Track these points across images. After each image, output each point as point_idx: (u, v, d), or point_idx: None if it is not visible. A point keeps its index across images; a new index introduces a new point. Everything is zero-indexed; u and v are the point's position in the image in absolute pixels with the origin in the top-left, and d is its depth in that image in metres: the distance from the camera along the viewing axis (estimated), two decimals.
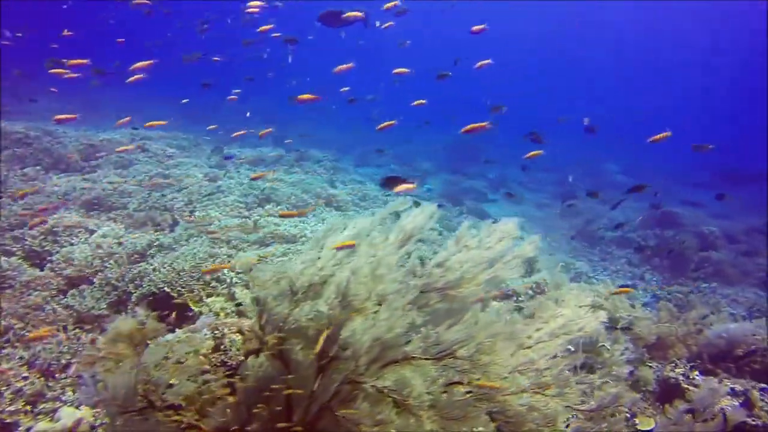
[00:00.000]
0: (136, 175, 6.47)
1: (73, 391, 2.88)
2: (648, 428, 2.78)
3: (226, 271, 3.77)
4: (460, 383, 1.43)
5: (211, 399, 2.26)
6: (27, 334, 3.20)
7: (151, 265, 4.09)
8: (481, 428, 1.40)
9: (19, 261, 4.03)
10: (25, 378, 2.82)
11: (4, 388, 2.70)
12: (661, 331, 4.10)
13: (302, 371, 1.72)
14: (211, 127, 6.39)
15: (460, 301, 1.56)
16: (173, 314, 3.29)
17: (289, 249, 4.22)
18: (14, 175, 5.77)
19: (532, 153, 3.91)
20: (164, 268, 3.86)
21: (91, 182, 5.91)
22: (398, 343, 1.48)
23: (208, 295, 3.66)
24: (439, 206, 1.82)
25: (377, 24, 5.83)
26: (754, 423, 3.02)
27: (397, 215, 2.11)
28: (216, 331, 2.88)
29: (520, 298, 3.99)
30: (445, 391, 1.45)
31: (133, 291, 3.91)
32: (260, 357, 2.05)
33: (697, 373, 3.55)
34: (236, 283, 3.66)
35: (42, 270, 4.06)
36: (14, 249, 4.25)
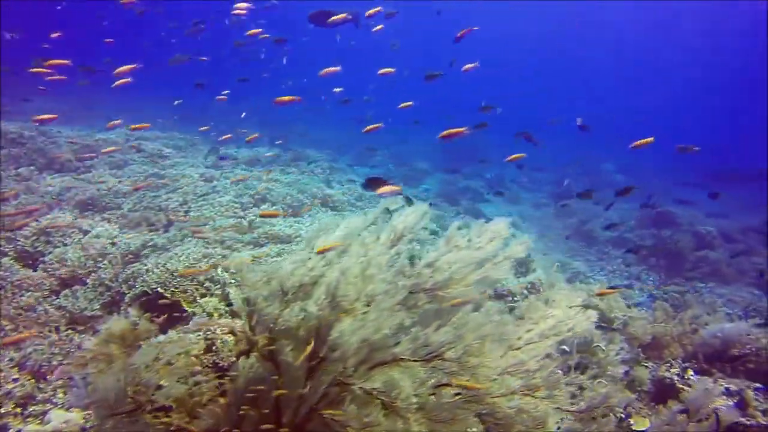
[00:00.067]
0: (131, 175, 6.44)
1: (64, 393, 2.86)
2: (643, 428, 2.77)
3: (219, 271, 3.75)
4: (448, 385, 1.42)
5: (201, 400, 2.24)
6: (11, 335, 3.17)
7: (145, 265, 4.07)
8: (469, 430, 1.38)
9: (11, 262, 4.00)
10: (15, 380, 2.80)
11: None
12: (656, 331, 4.10)
13: (292, 372, 1.70)
14: (203, 128, 6.36)
15: (450, 302, 1.55)
16: (164, 315, 3.26)
17: (283, 249, 4.20)
18: (8, 176, 5.74)
19: (513, 156, 3.90)
20: (158, 268, 3.84)
21: (85, 182, 5.88)
22: (386, 344, 1.47)
23: (202, 296, 3.63)
24: (431, 205, 1.81)
25: (375, 25, 5.83)
26: (748, 423, 3.02)
27: (390, 215, 2.10)
28: (208, 332, 2.87)
29: (515, 298, 3.98)
30: (433, 393, 1.43)
31: (126, 292, 3.89)
32: (250, 358, 2.04)
33: (691, 372, 3.55)
34: (230, 283, 3.64)
35: (35, 271, 4.03)
36: (6, 249, 4.22)
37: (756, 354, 3.73)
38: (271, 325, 1.76)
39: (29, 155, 6.45)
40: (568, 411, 1.50)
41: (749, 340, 3.86)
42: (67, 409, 2.69)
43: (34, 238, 4.36)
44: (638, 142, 4.07)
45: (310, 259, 1.77)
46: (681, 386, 3.39)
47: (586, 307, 3.90)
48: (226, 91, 6.07)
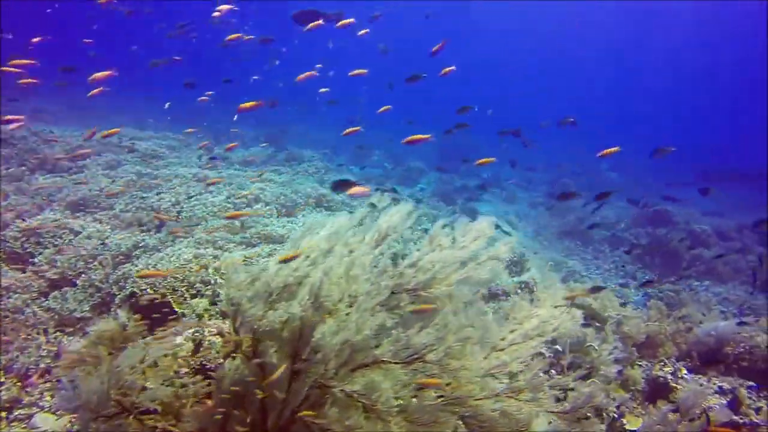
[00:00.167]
0: (124, 176, 6.39)
1: (51, 396, 2.82)
2: (635, 428, 2.76)
3: (211, 271, 3.71)
4: (427, 387, 1.39)
5: (188, 403, 2.21)
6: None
7: (136, 266, 4.03)
8: None
9: None
10: (1, 383, 2.76)
11: None
12: (650, 330, 4.08)
13: (276, 374, 1.67)
14: (189, 130, 6.32)
15: (432, 303, 1.52)
16: (154, 316, 3.23)
17: (275, 249, 4.17)
18: None
19: (484, 159, 3.92)
20: (148, 269, 3.80)
21: (77, 182, 5.83)
22: (368, 345, 1.44)
23: (192, 297, 3.60)
24: (419, 203, 1.78)
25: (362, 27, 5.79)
26: (741, 421, 3.01)
27: (378, 213, 2.07)
28: (197, 334, 2.84)
29: (509, 297, 3.97)
30: (415, 396, 1.41)
31: (117, 293, 3.86)
32: (236, 360, 2.01)
33: (685, 371, 3.54)
34: (220, 284, 3.61)
35: (24, 272, 3.99)
36: None
37: (749, 352, 3.72)
38: (255, 327, 1.74)
39: (21, 155, 6.39)
40: (552, 412, 1.48)
41: (743, 338, 3.85)
42: (54, 413, 2.65)
43: (24, 239, 4.32)
44: (605, 151, 4.17)
45: (294, 258, 1.75)
46: (674, 385, 3.37)
47: (580, 306, 3.89)
48: (210, 92, 6.03)
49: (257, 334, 1.75)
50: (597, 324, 3.76)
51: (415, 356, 1.42)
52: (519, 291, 4.16)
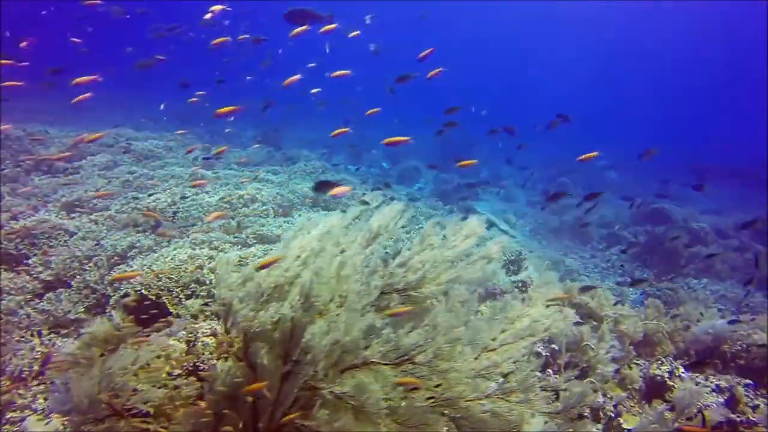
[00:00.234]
0: (120, 176, 6.36)
1: (45, 399, 2.80)
2: (631, 427, 2.74)
3: (205, 271, 3.69)
4: (418, 389, 1.38)
5: (180, 405, 2.19)
6: None
7: (131, 267, 4.01)
8: None
9: None
10: None
11: None
12: (648, 328, 4.07)
13: (268, 376, 1.66)
14: (180, 132, 6.30)
15: (422, 303, 1.50)
16: (148, 317, 3.21)
17: (270, 249, 4.15)
18: None
19: (464, 162, 3.96)
20: (143, 270, 3.78)
21: (72, 183, 5.81)
22: (357, 346, 1.42)
23: (187, 297, 3.58)
24: (415, 201, 1.75)
25: (370, 23, 5.78)
26: (738, 419, 3.00)
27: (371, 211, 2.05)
28: (190, 335, 2.82)
29: (504, 297, 3.95)
30: (405, 397, 1.39)
31: (112, 294, 3.84)
32: (228, 361, 1.99)
33: (682, 370, 3.53)
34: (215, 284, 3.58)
35: (18, 274, 3.97)
36: None
37: (747, 350, 3.71)
38: (247, 327, 1.72)
39: (16, 157, 6.37)
40: (544, 413, 1.47)
41: (740, 336, 3.84)
42: (46, 416, 2.63)
43: (18, 240, 4.30)
44: (584, 156, 4.49)
45: (285, 258, 1.73)
46: (671, 384, 3.36)
47: (577, 305, 3.87)
48: (201, 92, 6.01)
49: (248, 335, 1.73)
50: (594, 323, 3.74)
51: (405, 357, 1.41)
52: (516, 290, 4.14)
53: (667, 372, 3.46)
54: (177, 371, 2.45)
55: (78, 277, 4.02)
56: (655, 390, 3.44)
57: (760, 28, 30.53)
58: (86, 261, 4.23)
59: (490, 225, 8.12)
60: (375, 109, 4.66)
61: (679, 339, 4.11)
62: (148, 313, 3.39)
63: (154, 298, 3.57)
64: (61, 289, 3.86)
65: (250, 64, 7.91)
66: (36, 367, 3.06)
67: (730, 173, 15.03)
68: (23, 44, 4.89)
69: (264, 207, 5.67)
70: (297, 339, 1.52)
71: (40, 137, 6.67)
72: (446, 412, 1.36)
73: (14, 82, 4.22)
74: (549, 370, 3.11)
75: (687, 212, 9.93)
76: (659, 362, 3.65)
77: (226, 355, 2.07)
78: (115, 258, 4.37)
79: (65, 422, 2.55)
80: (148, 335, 2.94)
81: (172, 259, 3.91)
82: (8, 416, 2.59)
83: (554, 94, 35.02)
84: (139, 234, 4.84)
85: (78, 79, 4.06)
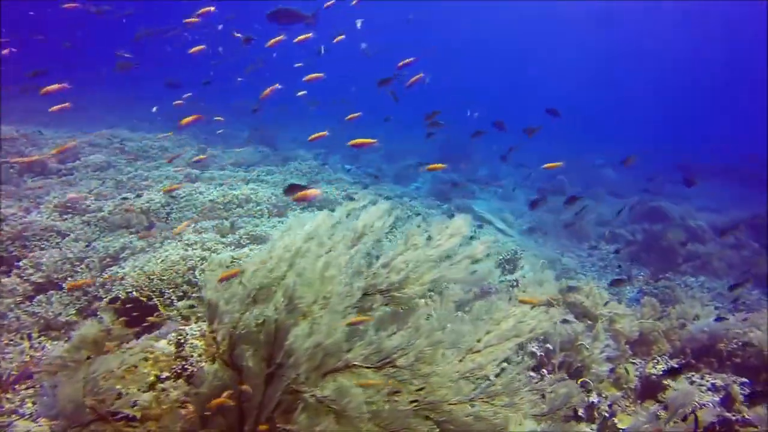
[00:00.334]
0: (115, 177, 6.33)
1: (33, 403, 2.76)
2: (626, 427, 2.72)
3: (197, 273, 3.66)
4: (400, 392, 1.35)
5: (168, 408, 2.16)
6: None
7: (123, 268, 3.98)
8: None
9: None
10: None
11: None
12: (644, 327, 4.05)
13: (253, 379, 1.63)
14: (166, 134, 6.26)
15: (406, 304, 1.48)
16: (139, 319, 3.17)
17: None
18: None
19: (434, 165, 3.99)
20: (135, 271, 3.75)
21: (66, 185, 5.77)
22: (339, 349, 1.39)
23: (179, 299, 3.55)
24: (401, 199, 1.72)
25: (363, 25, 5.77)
26: (734, 418, 2.97)
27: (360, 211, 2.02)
28: (180, 337, 2.78)
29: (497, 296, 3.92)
30: (388, 401, 1.36)
31: (104, 296, 3.80)
32: (215, 364, 1.96)
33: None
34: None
35: (8, 276, 3.93)
36: None
37: (743, 348, 3.69)
38: (232, 329, 1.69)
39: (4, 158, 6.32)
40: (529, 416, 1.44)
41: (736, 335, 3.82)
42: (34, 420, 2.60)
43: (9, 242, 4.26)
44: (549, 165, 4.69)
45: (270, 259, 1.70)
46: (667, 383, 3.34)
47: (572, 304, 3.84)
48: (188, 94, 5.98)
49: (234, 337, 1.70)
50: (589, 322, 3.72)
51: (387, 360, 1.38)
52: (510, 289, 4.12)
53: (662, 371, 3.44)
54: (165, 374, 2.42)
55: (69, 278, 3.99)
56: (650, 389, 3.41)
57: (760, 28, 30.54)
58: (78, 263, 4.20)
59: (485, 223, 8.10)
60: (356, 114, 4.67)
61: (676, 337, 4.09)
62: (140, 314, 3.36)
63: (145, 300, 3.54)
64: (52, 291, 3.83)
65: (244, 65, 7.89)
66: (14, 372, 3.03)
67: (721, 170, 15.06)
68: (5, 52, 4.85)
69: (258, 207, 5.64)
70: (281, 341, 1.49)
71: (69, 144, 6.64)
72: (430, 416, 1.34)
73: None
74: (543, 370, 3.09)
75: (684, 210, 9.92)
76: (655, 361, 3.63)
77: (213, 357, 2.04)
78: (108, 259, 4.34)
79: (53, 426, 2.51)
80: (137, 337, 2.91)
81: (163, 260, 3.87)
82: None
83: (554, 94, 35.02)
84: (132, 235, 4.81)
85: (47, 88, 4.02)
